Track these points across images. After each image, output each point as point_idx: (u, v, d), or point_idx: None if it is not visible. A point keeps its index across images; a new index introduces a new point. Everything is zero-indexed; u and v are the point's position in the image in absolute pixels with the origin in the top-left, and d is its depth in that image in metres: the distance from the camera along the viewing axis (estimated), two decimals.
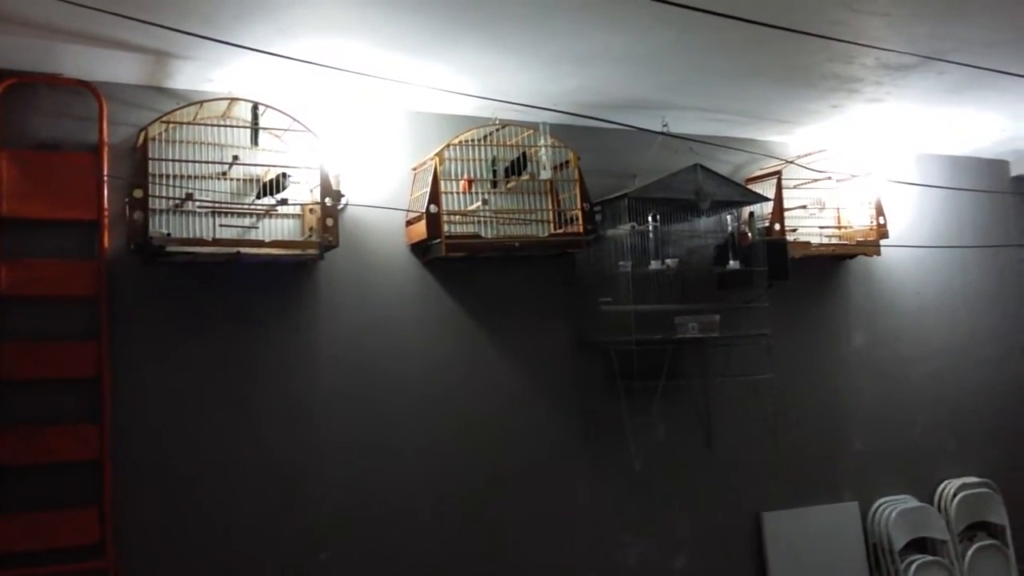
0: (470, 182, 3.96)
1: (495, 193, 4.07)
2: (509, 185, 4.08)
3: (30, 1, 2.63)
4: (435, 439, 4.02)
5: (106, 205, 3.45)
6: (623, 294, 4.07)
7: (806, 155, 4.81)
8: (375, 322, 3.95)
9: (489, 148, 4.04)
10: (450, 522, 4.01)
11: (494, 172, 4.05)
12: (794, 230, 4.74)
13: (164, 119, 3.43)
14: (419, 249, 4.04)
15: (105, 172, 3.44)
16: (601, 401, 4.37)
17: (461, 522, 4.03)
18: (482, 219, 3.99)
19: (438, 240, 3.79)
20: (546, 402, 4.29)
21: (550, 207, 4.17)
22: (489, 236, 3.97)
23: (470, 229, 3.94)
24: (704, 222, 4.51)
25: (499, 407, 4.18)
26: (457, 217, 3.90)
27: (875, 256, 4.99)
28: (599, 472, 4.37)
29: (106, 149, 3.47)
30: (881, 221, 4.87)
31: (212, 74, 3.51)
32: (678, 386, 4.48)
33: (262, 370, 3.72)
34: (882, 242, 4.90)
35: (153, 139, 3.39)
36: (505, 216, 4.08)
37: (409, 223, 4.01)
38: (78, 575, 3.29)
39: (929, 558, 4.99)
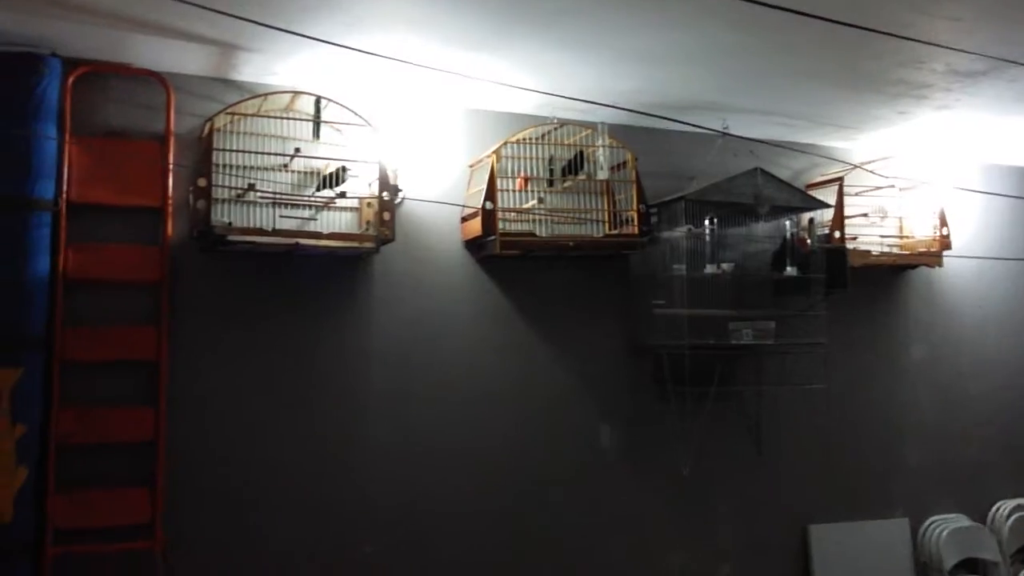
0: (526, 180, 3.96)
1: (551, 192, 4.07)
2: (565, 184, 4.07)
3: None
4: (483, 437, 4.02)
5: (170, 193, 3.52)
6: (677, 297, 4.04)
7: (870, 162, 4.72)
8: (428, 317, 3.97)
9: (546, 147, 4.04)
10: (494, 521, 4.01)
11: (551, 171, 4.04)
12: (854, 238, 4.65)
13: (229, 110, 3.49)
14: (473, 245, 4.05)
15: (171, 161, 3.51)
16: (651, 405, 4.34)
17: (505, 521, 4.03)
18: (537, 217, 3.99)
19: (493, 237, 3.80)
20: (596, 404, 4.27)
21: (606, 207, 4.15)
22: (544, 235, 3.96)
23: (525, 227, 3.94)
24: (762, 227, 4.43)
25: (548, 407, 4.17)
26: (512, 215, 3.90)
27: (937, 267, 4.87)
28: (646, 476, 4.34)
29: (172, 138, 3.54)
30: (944, 232, 4.76)
31: (276, 67, 3.56)
32: (729, 393, 4.43)
33: (315, 361, 3.76)
34: (944, 253, 4.79)
35: (218, 130, 3.45)
36: (560, 215, 4.07)
37: (464, 219, 4.02)
38: (128, 554, 3.37)
39: None
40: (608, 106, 3.64)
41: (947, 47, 3.30)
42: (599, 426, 4.27)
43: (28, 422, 3.19)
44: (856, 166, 4.63)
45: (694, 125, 3.82)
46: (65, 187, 3.34)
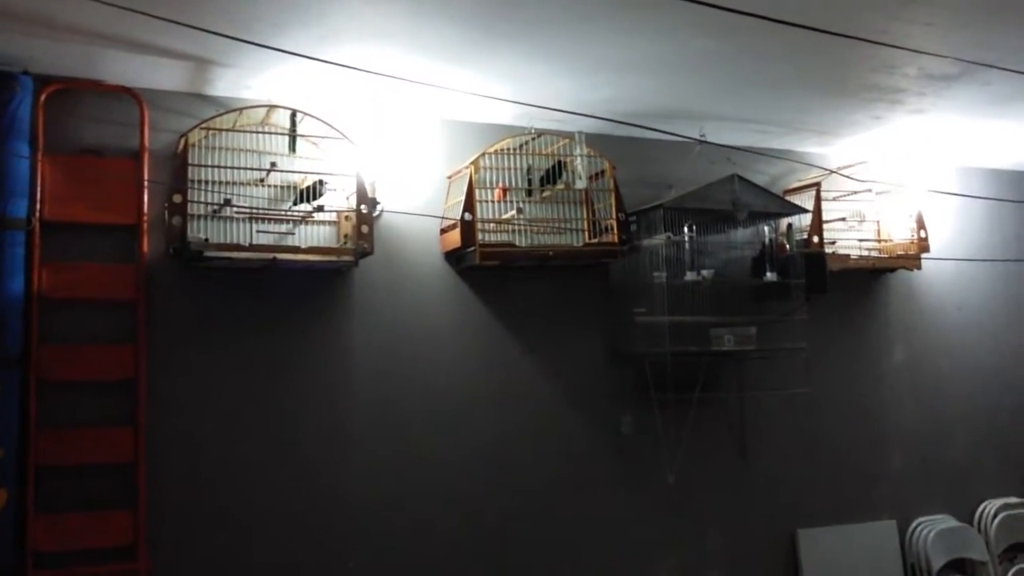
0: (505, 191, 3.95)
1: (530, 202, 4.06)
2: (544, 194, 4.07)
3: (74, 7, 2.67)
4: (466, 449, 4.00)
5: (145, 210, 3.49)
6: (658, 305, 4.04)
7: (846, 166, 4.75)
8: (408, 330, 3.95)
9: (525, 157, 4.04)
10: (479, 534, 3.98)
11: (529, 181, 4.04)
12: (833, 242, 4.69)
13: (204, 125, 3.47)
14: (453, 257, 4.04)
15: (146, 177, 3.48)
16: (634, 413, 4.33)
17: (491, 534, 4.01)
18: (516, 228, 3.98)
19: (472, 248, 3.79)
20: (579, 413, 4.26)
21: (585, 217, 4.15)
22: (523, 245, 3.96)
23: (504, 238, 3.93)
24: (741, 233, 4.46)
25: (531, 417, 4.15)
26: (491, 225, 3.90)
27: (916, 270, 4.91)
28: (631, 485, 4.33)
29: (147, 154, 3.51)
30: (922, 234, 4.80)
31: (251, 81, 3.54)
32: (713, 399, 4.42)
33: (295, 376, 3.73)
34: (923, 256, 4.82)
35: (193, 145, 3.42)
36: (539, 225, 4.07)
37: (443, 231, 4.01)
38: None
39: None
40: (585, 115, 3.65)
41: (918, 51, 3.32)
42: (583, 435, 4.26)
43: (5, 444, 3.15)
44: (832, 171, 4.66)
45: (671, 133, 3.83)
46: (38, 205, 3.31)
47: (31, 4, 2.75)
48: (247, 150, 3.56)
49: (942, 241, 5.15)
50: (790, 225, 4.42)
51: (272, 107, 3.57)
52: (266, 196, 3.62)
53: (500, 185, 3.95)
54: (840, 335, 4.91)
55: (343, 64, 3.08)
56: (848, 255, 4.70)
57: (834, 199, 4.72)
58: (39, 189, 3.32)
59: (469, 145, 4.05)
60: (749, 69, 3.63)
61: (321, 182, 3.54)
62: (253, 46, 2.87)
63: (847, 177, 4.57)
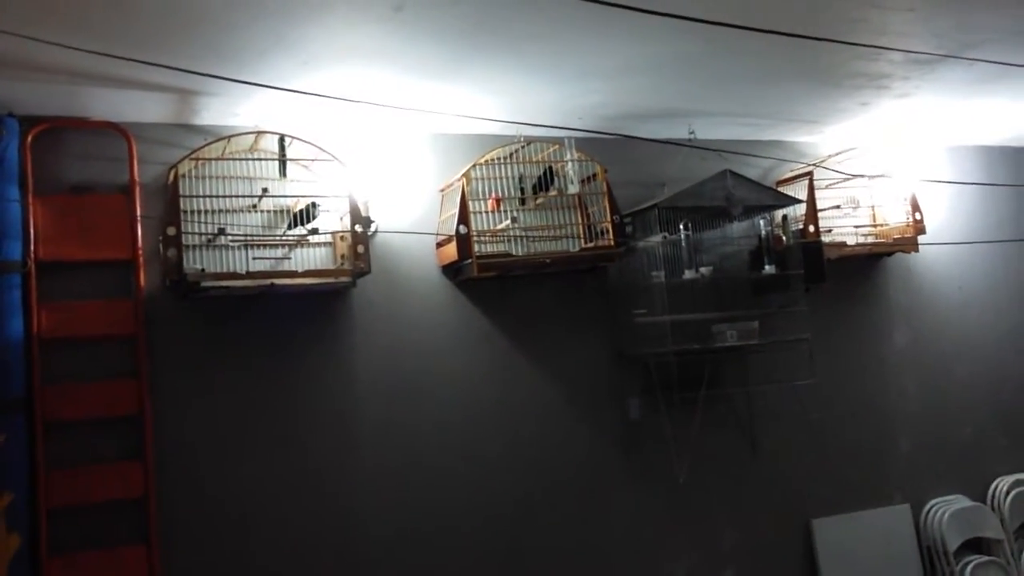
0: (498, 200, 3.95)
1: (524, 210, 4.05)
2: (537, 201, 4.06)
3: (56, 49, 2.66)
4: (474, 458, 4.00)
5: (140, 244, 3.48)
6: (658, 305, 4.03)
7: (836, 154, 4.75)
8: (410, 345, 3.95)
9: (516, 165, 4.03)
10: (492, 541, 3.98)
11: (522, 189, 4.04)
12: (829, 231, 4.67)
13: (193, 156, 3.46)
14: (450, 270, 4.03)
15: (138, 212, 3.48)
16: (641, 413, 4.32)
17: (502, 541, 4.00)
18: (512, 237, 3.98)
19: (469, 260, 3.78)
20: (585, 417, 4.25)
21: (579, 221, 4.15)
22: (520, 254, 3.95)
23: (500, 248, 3.93)
24: (736, 228, 4.45)
25: (537, 424, 4.15)
26: (487, 236, 3.89)
27: (913, 253, 4.89)
28: (642, 486, 4.33)
29: (138, 189, 3.51)
30: (917, 217, 4.78)
31: (238, 108, 3.54)
32: (719, 395, 4.42)
33: (301, 399, 3.72)
34: (919, 238, 4.81)
35: (183, 176, 3.42)
36: (535, 233, 4.06)
37: (439, 245, 4.01)
38: None
39: (985, 558, 4.89)
40: (572, 129, 3.66)
41: (898, 49, 3.31)
42: (590, 439, 4.25)
43: (16, 488, 3.14)
44: (818, 164, 4.65)
45: (661, 141, 3.83)
46: (33, 247, 3.31)
47: (11, 47, 2.74)
48: (238, 177, 3.55)
49: (938, 222, 5.16)
50: (785, 216, 4.42)
51: (260, 133, 3.56)
52: (260, 222, 3.62)
53: (493, 195, 3.94)
54: (842, 323, 4.91)
55: (324, 95, 3.10)
56: (844, 242, 4.70)
57: (827, 187, 4.71)
58: (32, 230, 3.31)
59: (459, 157, 4.04)
60: (734, 66, 3.62)
61: (314, 205, 3.53)
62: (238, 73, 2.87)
63: (834, 171, 4.58)
